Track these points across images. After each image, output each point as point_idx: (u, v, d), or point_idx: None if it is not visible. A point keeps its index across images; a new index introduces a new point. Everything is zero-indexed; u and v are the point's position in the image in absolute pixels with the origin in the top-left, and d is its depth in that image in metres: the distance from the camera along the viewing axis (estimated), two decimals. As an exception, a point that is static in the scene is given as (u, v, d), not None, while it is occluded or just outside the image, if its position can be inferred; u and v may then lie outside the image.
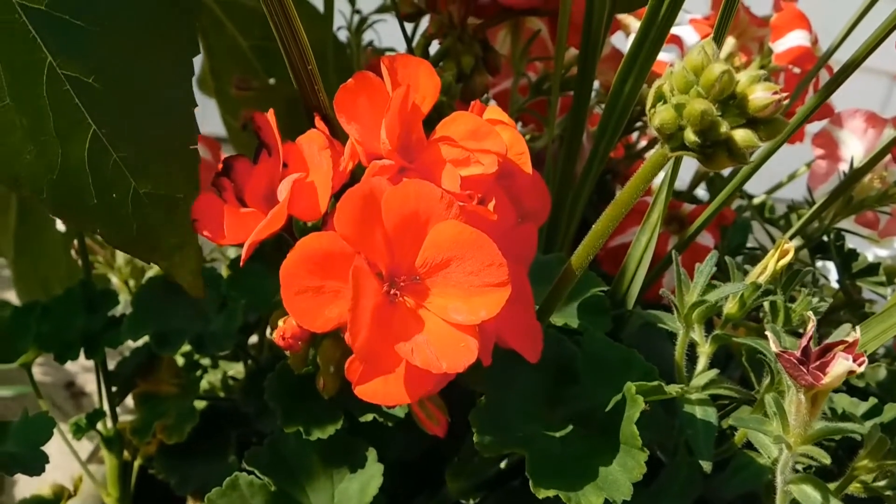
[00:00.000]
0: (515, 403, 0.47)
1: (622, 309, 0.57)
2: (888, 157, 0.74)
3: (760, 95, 0.34)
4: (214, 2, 0.96)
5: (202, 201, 0.41)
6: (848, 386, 0.70)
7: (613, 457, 0.44)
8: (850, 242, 0.89)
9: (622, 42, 0.87)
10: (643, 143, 0.90)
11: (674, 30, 0.81)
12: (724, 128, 0.34)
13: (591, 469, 0.43)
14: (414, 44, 0.64)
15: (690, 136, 0.35)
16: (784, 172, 1.02)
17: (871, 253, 0.97)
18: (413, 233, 0.38)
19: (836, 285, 0.85)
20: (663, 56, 0.79)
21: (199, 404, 0.73)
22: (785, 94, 0.34)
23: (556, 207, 0.63)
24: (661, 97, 0.36)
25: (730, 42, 0.90)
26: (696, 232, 0.59)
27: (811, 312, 0.44)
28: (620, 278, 0.57)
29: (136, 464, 0.71)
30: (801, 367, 0.36)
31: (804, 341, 0.37)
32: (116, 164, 0.43)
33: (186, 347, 0.74)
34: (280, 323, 0.40)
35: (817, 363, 0.36)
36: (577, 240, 0.77)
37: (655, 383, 0.44)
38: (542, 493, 0.41)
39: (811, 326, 0.36)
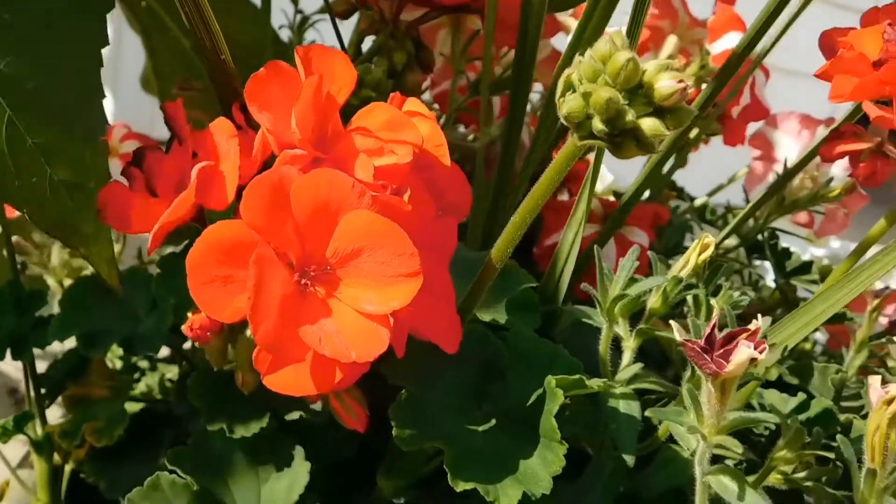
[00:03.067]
0: (440, 398, 0.46)
1: (552, 305, 0.57)
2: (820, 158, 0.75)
3: (666, 84, 0.34)
4: (157, 2, 0.95)
5: (109, 190, 0.40)
6: (780, 383, 0.71)
7: (534, 450, 0.44)
8: (792, 242, 0.91)
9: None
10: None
11: (610, 30, 0.82)
12: (630, 116, 0.34)
13: (511, 463, 0.43)
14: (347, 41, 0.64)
15: (598, 124, 0.35)
16: (725, 175, 1.03)
17: (809, 252, 0.99)
18: (324, 222, 0.37)
19: (773, 284, 0.86)
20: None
21: (135, 407, 0.72)
22: (690, 84, 0.34)
23: (494, 206, 0.63)
24: (570, 86, 0.36)
25: (671, 43, 0.91)
26: (610, 228, 0.60)
27: (715, 303, 0.45)
28: (550, 275, 0.57)
29: (68, 468, 0.70)
30: (705, 355, 0.36)
31: (707, 330, 0.37)
32: (32, 150, 0.43)
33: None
34: (189, 314, 0.40)
35: (721, 352, 0.36)
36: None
37: (576, 377, 0.44)
38: (461, 486, 0.41)
39: (715, 316, 0.37)
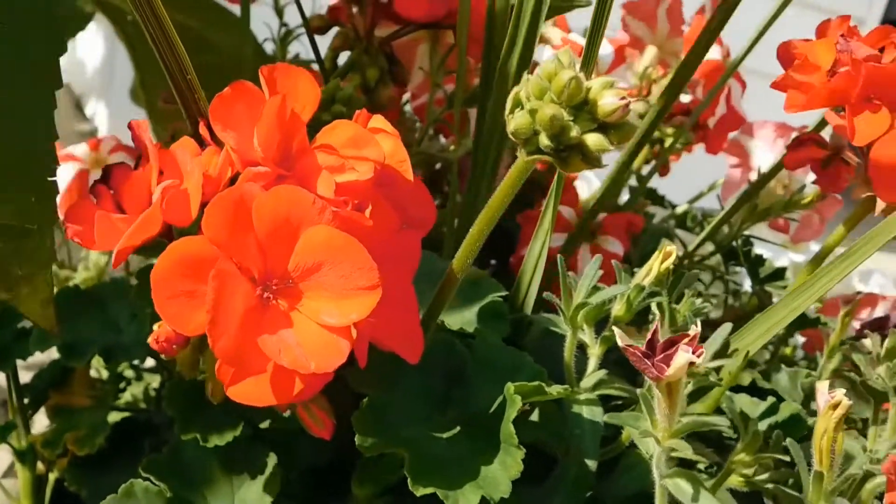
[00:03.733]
0: (404, 405, 0.48)
1: (522, 314, 0.58)
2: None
3: (609, 101, 0.36)
4: (142, 16, 0.97)
5: (76, 207, 0.42)
6: (752, 387, 0.72)
7: (495, 456, 0.45)
8: (773, 249, 0.92)
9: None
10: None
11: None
12: (574, 132, 0.36)
13: (472, 468, 0.44)
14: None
15: (545, 140, 0.36)
16: (706, 182, 1.05)
17: (788, 258, 1.00)
18: (285, 237, 0.39)
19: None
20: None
21: (118, 416, 0.73)
22: (633, 100, 0.36)
23: (465, 217, 0.64)
24: (518, 103, 0.37)
25: (649, 54, 0.93)
26: (578, 237, 0.61)
27: (656, 307, 0.46)
28: (519, 284, 0.58)
29: (52, 477, 0.71)
30: (647, 360, 0.37)
31: (650, 335, 0.38)
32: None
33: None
34: (155, 327, 0.41)
35: (662, 356, 0.37)
36: (496, 249, 0.79)
37: (535, 384, 0.45)
38: (420, 491, 0.42)
39: (657, 322, 0.38)
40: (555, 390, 0.46)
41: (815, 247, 1.05)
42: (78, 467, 0.65)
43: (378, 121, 0.46)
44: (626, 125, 0.36)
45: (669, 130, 0.84)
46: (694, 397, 0.61)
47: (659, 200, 1.02)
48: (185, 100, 0.44)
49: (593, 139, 0.36)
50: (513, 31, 0.61)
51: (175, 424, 0.51)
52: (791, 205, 0.78)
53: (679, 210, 1.02)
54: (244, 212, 0.38)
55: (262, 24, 0.89)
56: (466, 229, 0.63)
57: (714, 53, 0.85)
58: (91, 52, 2.06)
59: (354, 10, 0.60)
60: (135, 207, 0.41)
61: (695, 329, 0.38)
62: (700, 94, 0.90)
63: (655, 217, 1.02)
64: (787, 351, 0.97)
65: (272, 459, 0.53)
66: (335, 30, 0.65)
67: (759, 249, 0.97)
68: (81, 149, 0.77)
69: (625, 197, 0.99)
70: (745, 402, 0.67)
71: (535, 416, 0.55)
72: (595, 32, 0.44)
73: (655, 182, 1.01)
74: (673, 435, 0.43)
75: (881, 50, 0.56)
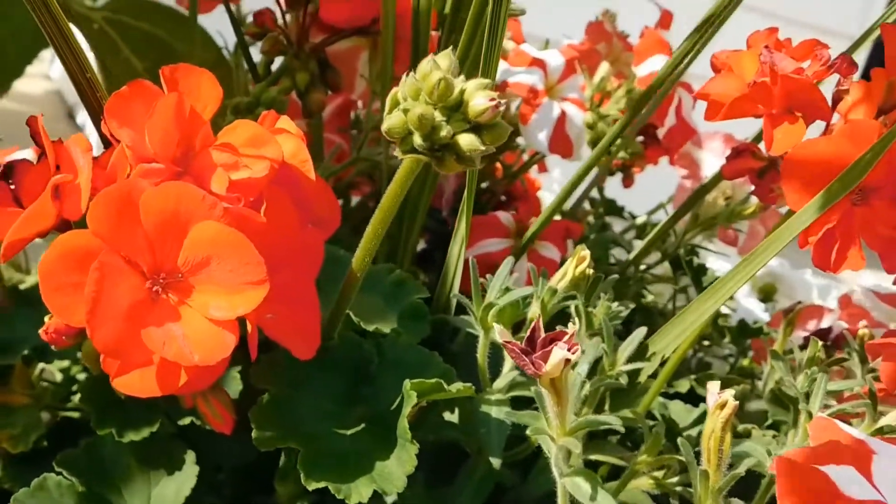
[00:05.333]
0: (310, 402, 0.48)
1: (441, 316, 0.59)
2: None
3: (479, 101, 0.36)
4: (109, 25, 0.98)
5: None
6: (691, 395, 0.73)
7: (392, 452, 0.45)
8: (729, 261, 0.93)
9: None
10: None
11: (539, 53, 0.84)
12: (444, 132, 0.36)
13: (369, 463, 0.45)
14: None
15: (418, 139, 0.37)
16: (666, 194, 1.05)
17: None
18: (174, 233, 0.40)
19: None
20: (525, 78, 0.82)
21: (63, 414, 0.74)
22: (504, 102, 0.36)
23: (396, 224, 0.65)
24: (397, 103, 0.38)
25: (604, 67, 0.94)
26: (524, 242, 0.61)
27: (537, 309, 0.46)
28: (442, 287, 0.59)
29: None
30: (525, 356, 0.38)
31: (529, 332, 0.39)
32: None
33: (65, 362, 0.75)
34: (46, 319, 0.42)
35: (540, 353, 0.38)
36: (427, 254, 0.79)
37: (434, 381, 0.46)
38: (312, 485, 0.43)
39: (537, 319, 0.39)
40: (455, 388, 0.46)
41: (773, 261, 1.06)
42: (13, 465, 0.66)
43: (285, 122, 0.47)
44: (499, 126, 0.37)
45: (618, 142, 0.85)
46: (629, 402, 0.61)
47: (618, 211, 1.03)
48: (86, 98, 0.45)
49: (466, 139, 0.37)
50: (446, 37, 0.63)
51: (90, 419, 0.52)
52: (734, 215, 0.79)
53: (639, 221, 1.03)
54: (131, 206, 0.39)
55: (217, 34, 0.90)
56: (396, 235, 0.64)
57: (662, 64, 0.86)
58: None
59: (282, 16, 0.61)
60: (31, 202, 0.42)
61: (573, 326, 0.38)
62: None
63: (616, 228, 1.03)
64: (745, 362, 0.97)
65: (191, 456, 0.54)
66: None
67: (718, 261, 0.97)
68: None
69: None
70: (679, 408, 0.68)
71: (455, 417, 0.56)
72: (492, 40, 0.45)
73: (624, 194, 1.02)
74: (568, 434, 0.44)
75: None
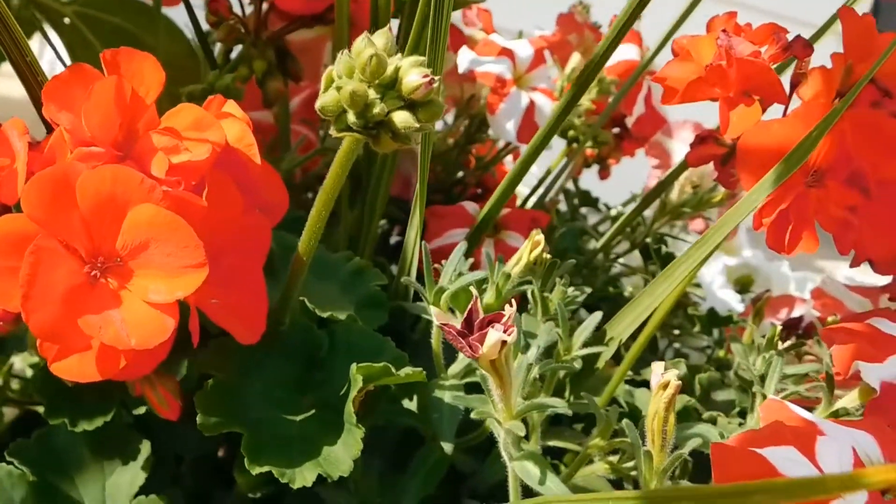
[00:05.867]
0: (260, 389, 0.48)
1: (398, 303, 0.59)
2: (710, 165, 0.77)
3: (412, 78, 0.36)
4: (80, 19, 0.98)
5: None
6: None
7: (339, 436, 0.45)
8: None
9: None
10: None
11: (508, 43, 0.84)
12: (377, 109, 0.36)
13: (316, 448, 0.45)
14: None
15: (352, 117, 0.37)
16: (640, 185, 1.05)
17: (721, 262, 1.00)
18: (112, 216, 0.39)
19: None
20: (492, 68, 0.82)
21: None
22: (437, 78, 0.36)
23: (361, 210, 0.65)
24: (332, 81, 0.38)
25: (575, 58, 0.94)
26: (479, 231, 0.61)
27: (475, 291, 0.46)
28: (399, 274, 0.59)
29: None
30: (461, 339, 0.38)
31: (466, 314, 0.38)
32: None
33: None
34: (-16, 304, 0.41)
35: (477, 335, 0.37)
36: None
37: (381, 365, 0.46)
38: (256, 470, 0.43)
39: (474, 301, 0.38)
40: (404, 373, 0.46)
41: (746, 252, 1.06)
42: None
43: (231, 106, 0.47)
44: (433, 103, 0.37)
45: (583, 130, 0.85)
46: (592, 389, 0.61)
47: (593, 203, 1.03)
48: (27, 82, 0.44)
49: (400, 117, 0.37)
50: (406, 24, 0.62)
51: (43, 408, 0.51)
52: (702, 203, 0.79)
53: (613, 213, 1.03)
54: (67, 190, 0.38)
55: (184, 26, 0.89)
56: (358, 225, 0.64)
57: (631, 54, 0.86)
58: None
59: (240, 4, 0.61)
60: (-29, 188, 0.42)
61: (510, 309, 0.38)
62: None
63: (592, 220, 1.03)
64: (721, 353, 0.97)
65: (146, 446, 0.53)
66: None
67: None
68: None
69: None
70: (645, 396, 0.68)
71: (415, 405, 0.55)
72: (437, 24, 0.44)
73: (602, 186, 1.02)
74: (515, 417, 0.44)
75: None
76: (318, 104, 0.37)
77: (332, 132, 0.38)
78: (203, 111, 0.44)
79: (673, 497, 0.29)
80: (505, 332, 0.37)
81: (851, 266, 0.52)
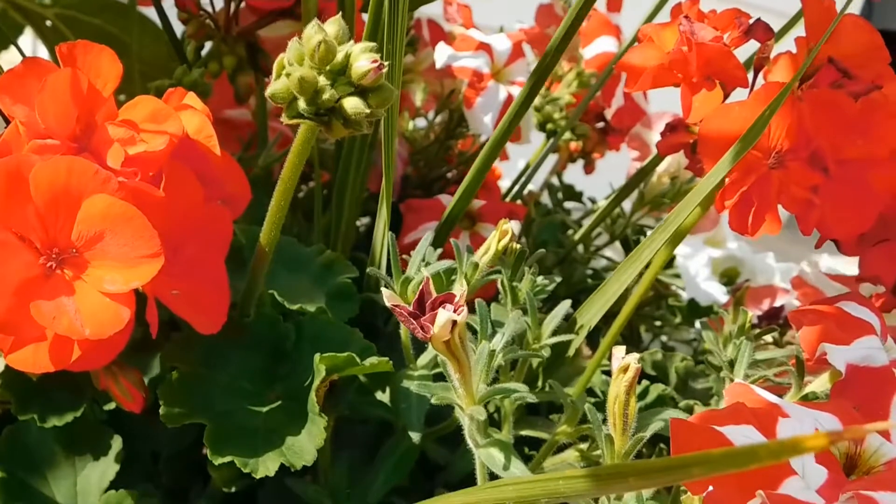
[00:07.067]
0: (223, 380, 0.48)
1: (367, 294, 0.59)
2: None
3: (362, 64, 0.36)
4: (62, 22, 0.98)
5: None
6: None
7: (304, 426, 0.45)
8: (691, 245, 0.93)
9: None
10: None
11: (486, 38, 0.84)
12: (327, 95, 0.36)
13: (280, 438, 0.45)
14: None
15: (302, 104, 0.37)
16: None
17: (706, 254, 1.00)
18: (66, 208, 0.39)
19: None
20: (469, 62, 0.82)
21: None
22: (386, 63, 0.36)
23: (336, 204, 0.65)
24: (283, 68, 0.38)
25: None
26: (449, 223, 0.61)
27: (427, 273, 0.46)
28: (369, 266, 0.59)
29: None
30: (413, 320, 0.38)
31: (417, 296, 0.38)
32: None
33: None
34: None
35: (429, 316, 0.37)
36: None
37: (346, 355, 0.46)
38: (219, 460, 0.43)
39: (425, 283, 0.38)
40: (368, 363, 0.46)
41: (732, 243, 1.06)
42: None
43: (191, 98, 0.47)
44: (384, 89, 0.37)
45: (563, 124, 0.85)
46: (571, 380, 0.61)
47: (577, 197, 1.03)
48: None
49: (351, 103, 0.37)
50: (374, 17, 0.62)
51: (11, 405, 0.51)
52: (680, 193, 0.79)
53: (598, 207, 1.03)
54: (20, 182, 0.38)
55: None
56: (337, 216, 0.64)
57: (609, 46, 0.86)
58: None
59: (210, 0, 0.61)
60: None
61: (460, 289, 0.38)
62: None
63: (576, 214, 1.03)
64: (706, 346, 0.97)
65: (117, 441, 0.53)
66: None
67: (683, 245, 0.97)
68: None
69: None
70: (621, 386, 0.67)
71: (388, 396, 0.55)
72: (394, 11, 0.44)
73: (587, 181, 1.02)
74: (478, 402, 0.44)
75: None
76: (268, 91, 0.37)
77: (283, 119, 0.38)
78: (160, 103, 0.44)
79: (618, 473, 0.29)
80: (455, 311, 0.37)
81: (816, 247, 0.51)
